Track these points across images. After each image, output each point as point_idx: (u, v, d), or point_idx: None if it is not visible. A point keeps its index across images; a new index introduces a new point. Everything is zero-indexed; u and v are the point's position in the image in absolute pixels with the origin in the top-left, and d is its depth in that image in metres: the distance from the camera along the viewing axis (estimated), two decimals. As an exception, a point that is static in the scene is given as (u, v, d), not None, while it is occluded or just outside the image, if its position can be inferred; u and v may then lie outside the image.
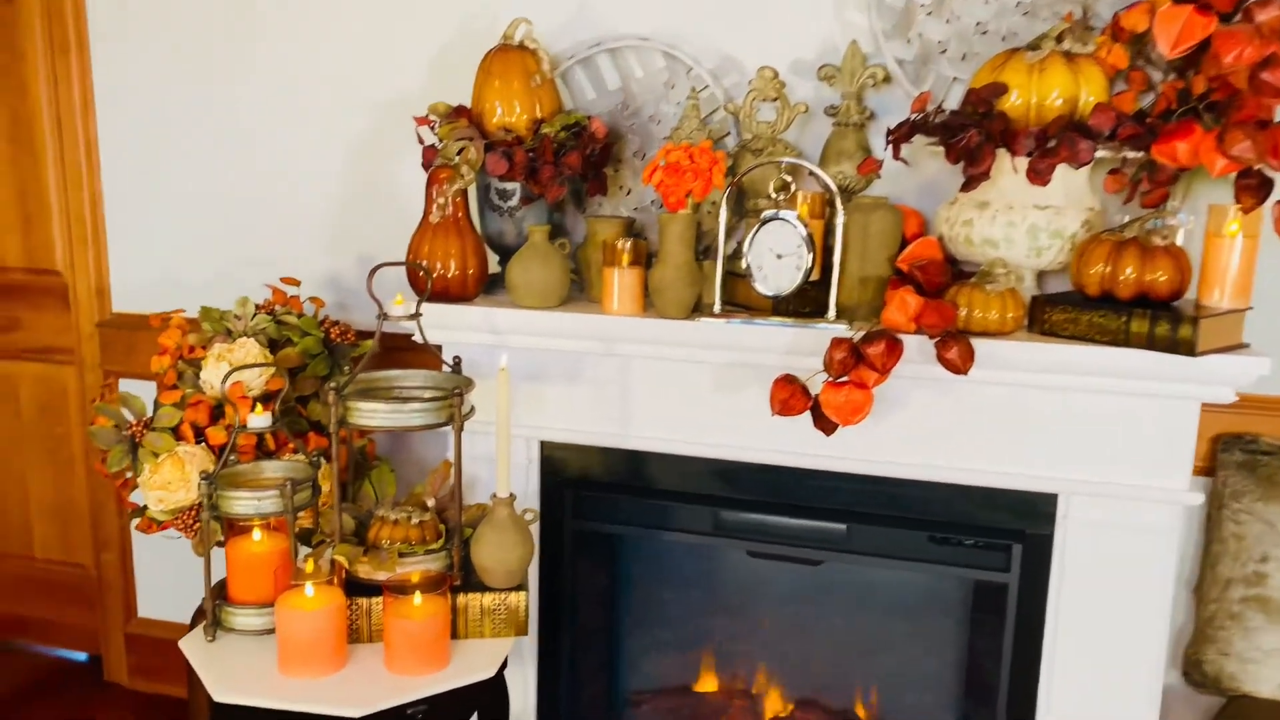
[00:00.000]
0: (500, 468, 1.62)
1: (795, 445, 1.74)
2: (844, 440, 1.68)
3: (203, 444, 1.79)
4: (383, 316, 1.63)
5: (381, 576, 1.58)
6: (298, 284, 2.05)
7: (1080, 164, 1.51)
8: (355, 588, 1.60)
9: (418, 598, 1.53)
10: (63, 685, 2.64)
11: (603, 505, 1.91)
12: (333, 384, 1.55)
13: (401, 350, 2.06)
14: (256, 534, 1.63)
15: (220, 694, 1.46)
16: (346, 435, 1.74)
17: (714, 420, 1.78)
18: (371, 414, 1.56)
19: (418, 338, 1.82)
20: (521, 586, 1.64)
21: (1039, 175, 1.53)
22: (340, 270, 2.25)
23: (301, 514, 1.66)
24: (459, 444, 1.61)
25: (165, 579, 2.55)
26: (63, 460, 2.61)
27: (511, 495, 1.63)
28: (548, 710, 1.99)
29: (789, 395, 1.56)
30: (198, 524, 1.76)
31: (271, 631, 1.60)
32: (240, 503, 1.56)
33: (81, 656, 2.75)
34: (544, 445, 1.91)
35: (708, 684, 2.04)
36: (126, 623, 2.61)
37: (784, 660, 2.00)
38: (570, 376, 1.84)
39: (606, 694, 2.08)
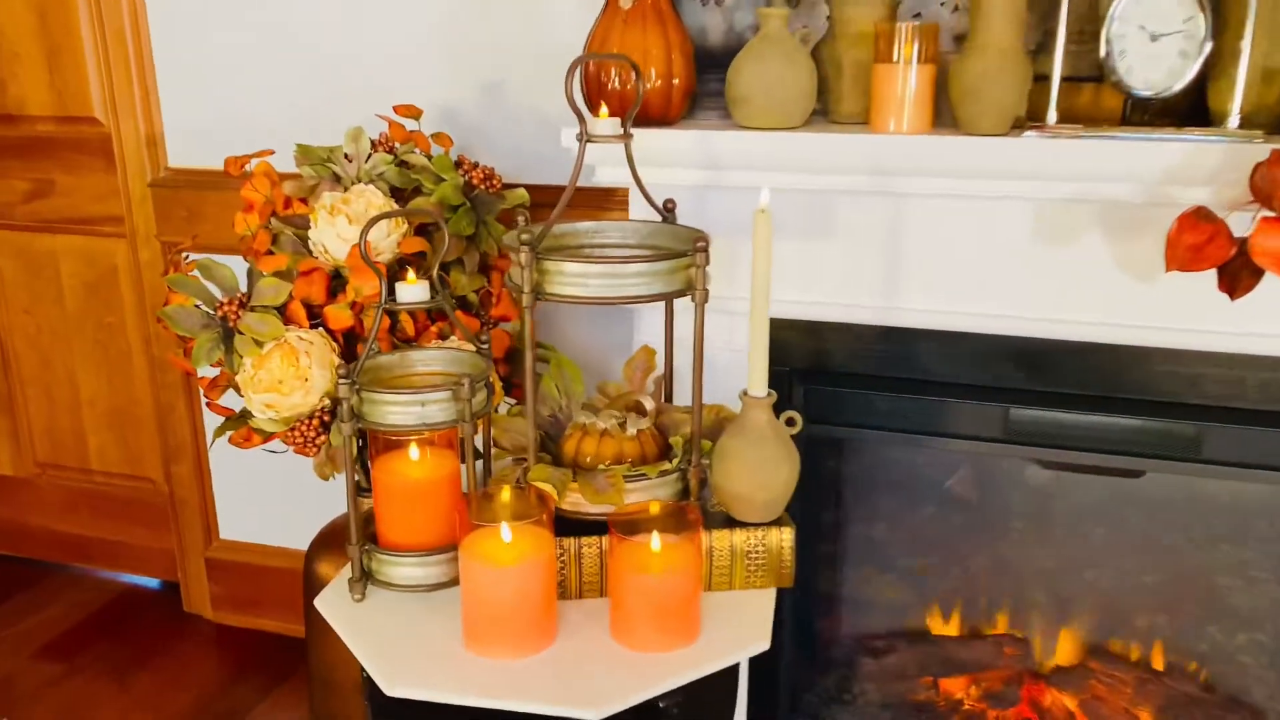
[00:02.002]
0: (755, 354, 1.13)
1: (1143, 314, 1.24)
2: (1231, 306, 1.18)
3: (319, 328, 1.32)
4: (584, 137, 1.12)
5: (601, 510, 1.12)
6: (419, 114, 1.53)
7: None
8: (557, 524, 1.14)
9: (656, 540, 1.07)
10: (135, 616, 2.24)
11: (848, 402, 1.42)
12: (525, 236, 1.05)
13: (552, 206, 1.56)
14: (414, 451, 1.16)
15: (395, 685, 1.01)
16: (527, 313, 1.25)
17: (1021, 282, 1.28)
18: (580, 280, 1.07)
19: (604, 177, 1.32)
20: (782, 520, 1.17)
21: None
22: (458, 103, 1.73)
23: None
24: (701, 321, 1.12)
25: (251, 495, 2.12)
26: (117, 354, 2.15)
27: (771, 394, 1.14)
28: (766, 660, 1.55)
29: (1205, 240, 1.05)
30: (321, 438, 1.29)
31: (441, 586, 1.15)
32: (396, 410, 1.08)
33: (153, 583, 2.34)
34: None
35: (969, 628, 1.59)
36: (207, 546, 2.19)
37: (1071, 600, 1.54)
38: (812, 228, 1.34)
39: (838, 638, 1.64)
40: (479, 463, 1.20)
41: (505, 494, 1.09)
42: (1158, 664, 1.51)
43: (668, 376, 1.31)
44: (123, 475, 2.26)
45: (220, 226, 1.84)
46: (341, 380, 1.08)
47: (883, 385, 1.41)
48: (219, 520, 2.17)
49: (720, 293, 1.38)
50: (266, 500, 2.10)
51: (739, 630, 1.10)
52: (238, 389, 1.33)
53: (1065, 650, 1.55)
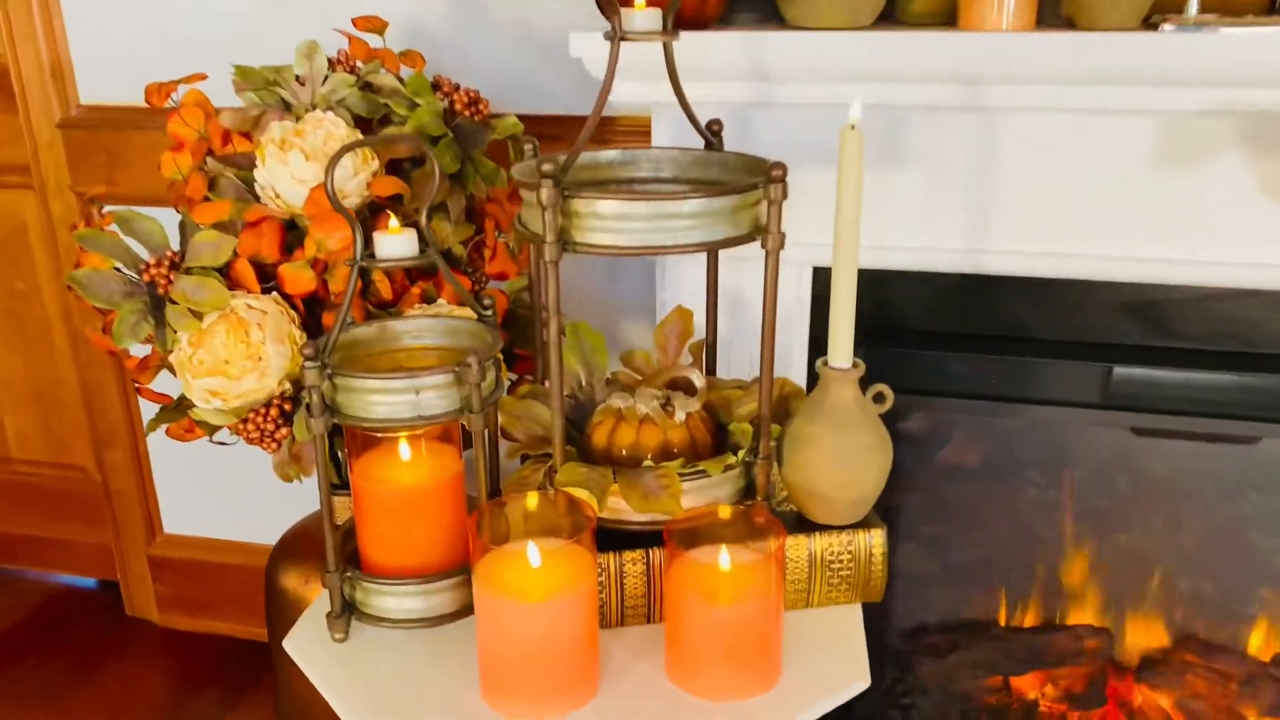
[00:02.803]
0: (838, 313, 0.89)
1: (1290, 252, 1.02)
2: None
3: (272, 293, 1.05)
4: (618, 35, 0.86)
5: (650, 519, 0.88)
6: (383, 27, 1.25)
7: None
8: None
9: (725, 558, 0.83)
10: (70, 622, 1.97)
11: (918, 364, 1.19)
12: (547, 166, 0.79)
13: (545, 139, 1.30)
14: (404, 449, 0.91)
15: (396, 767, 0.77)
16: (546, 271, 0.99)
17: (1138, 217, 1.05)
18: (619, 224, 0.81)
19: (633, 95, 1.06)
20: (870, 521, 0.94)
21: None
22: (425, 16, 1.45)
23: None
24: (774, 273, 0.87)
25: (198, 483, 1.85)
26: (33, 326, 1.85)
27: (858, 365, 0.91)
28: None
29: None
30: (282, 431, 1.03)
31: (447, 619, 0.91)
32: (384, 400, 0.83)
33: (89, 584, 2.07)
34: (820, 275, 1.18)
35: (1042, 617, 1.38)
36: (149, 542, 1.92)
37: (1161, 582, 1.33)
38: (881, 155, 1.09)
39: (892, 635, 1.42)
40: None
41: (530, 502, 0.85)
42: (1266, 654, 1.31)
43: (709, 343, 1.07)
44: (48, 464, 1.97)
45: (146, 172, 1.56)
46: (308, 363, 0.82)
47: (960, 344, 1.18)
48: (162, 512, 1.90)
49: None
50: (216, 488, 1.83)
51: (827, 664, 0.88)
52: (173, 370, 1.07)
53: (1156, 640, 1.35)
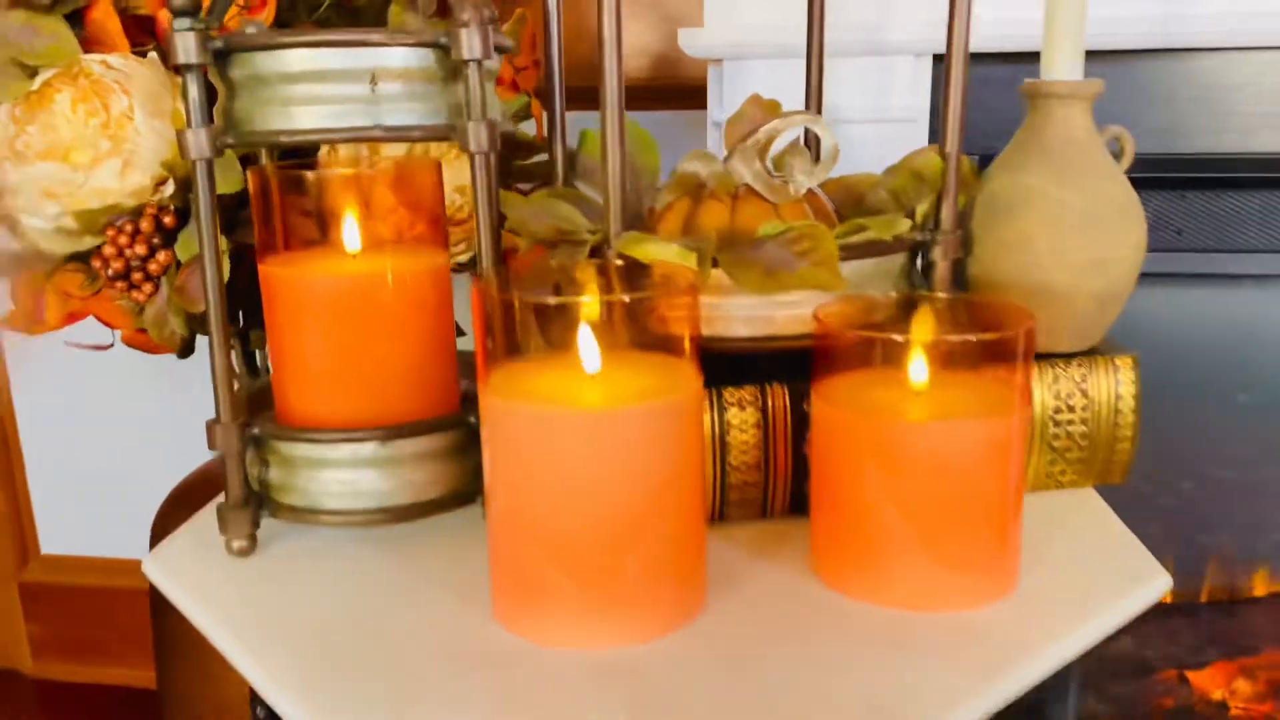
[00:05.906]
0: (1060, 6, 0.55)
1: None
2: None
3: (152, 54, 0.69)
4: None
5: (762, 332, 0.52)
6: None
7: None
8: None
9: (921, 366, 0.47)
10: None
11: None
12: None
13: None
14: (350, 231, 0.54)
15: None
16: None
17: None
18: None
19: None
20: (1107, 348, 0.59)
21: None
22: None
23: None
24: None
25: (87, 486, 1.44)
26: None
27: (1094, 82, 0.56)
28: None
29: None
30: (157, 260, 0.65)
31: (432, 509, 0.53)
32: (311, 93, 0.47)
33: (-51, 629, 1.63)
34: (940, 64, 0.85)
35: (1226, 586, 1.02)
36: (21, 566, 1.49)
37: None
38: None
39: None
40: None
41: (585, 278, 0.48)
42: None
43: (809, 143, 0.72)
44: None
45: None
46: (179, 20, 0.46)
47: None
48: (38, 526, 1.48)
49: (864, 18, 0.82)
50: (110, 490, 1.42)
51: (1084, 557, 0.51)
52: None
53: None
